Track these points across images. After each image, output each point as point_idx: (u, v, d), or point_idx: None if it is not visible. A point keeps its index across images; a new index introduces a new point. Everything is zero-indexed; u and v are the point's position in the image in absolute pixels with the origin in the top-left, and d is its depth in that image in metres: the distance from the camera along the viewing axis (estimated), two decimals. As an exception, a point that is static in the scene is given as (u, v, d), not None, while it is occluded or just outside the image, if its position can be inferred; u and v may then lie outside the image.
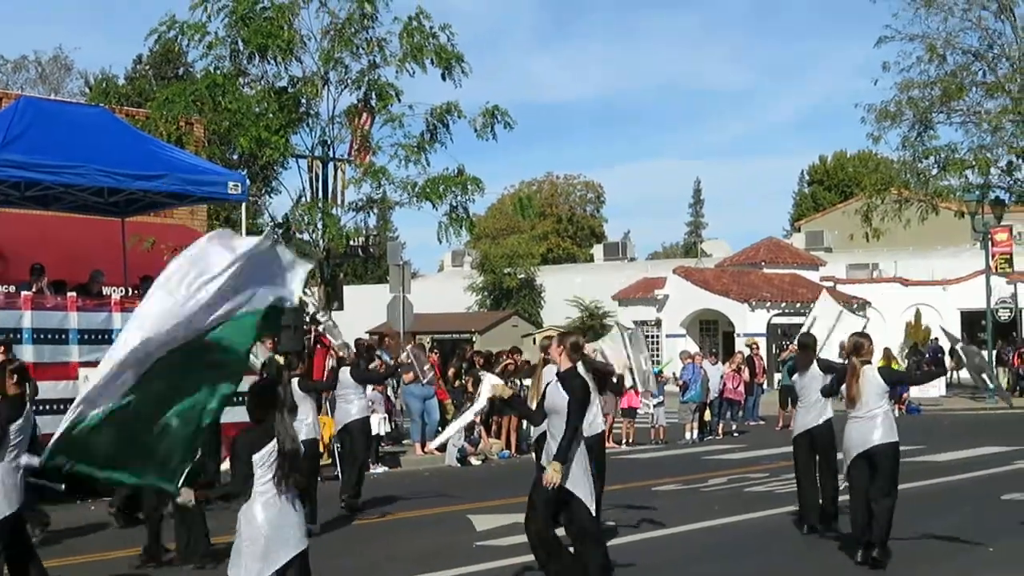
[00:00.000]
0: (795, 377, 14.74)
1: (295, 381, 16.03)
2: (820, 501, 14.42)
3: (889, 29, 41.08)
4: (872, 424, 12.24)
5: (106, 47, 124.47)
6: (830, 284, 54.06)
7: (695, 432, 28.81)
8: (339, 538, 14.60)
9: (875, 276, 57.85)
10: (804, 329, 15.68)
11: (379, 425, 22.84)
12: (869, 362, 12.45)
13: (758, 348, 36.22)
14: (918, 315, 52.73)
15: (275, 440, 7.86)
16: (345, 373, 17.14)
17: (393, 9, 25.74)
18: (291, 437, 7.92)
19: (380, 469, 22.41)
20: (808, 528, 14.28)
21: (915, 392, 40.04)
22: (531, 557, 12.85)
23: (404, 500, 17.83)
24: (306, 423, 14.95)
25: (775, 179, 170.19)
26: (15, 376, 10.15)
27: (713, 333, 53.53)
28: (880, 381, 12.41)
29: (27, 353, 16.53)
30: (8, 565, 10.08)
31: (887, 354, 39.12)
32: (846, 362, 12.77)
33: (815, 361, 14.47)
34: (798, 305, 50.80)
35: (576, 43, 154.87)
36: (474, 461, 23.45)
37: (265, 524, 7.78)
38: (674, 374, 31.82)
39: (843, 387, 12.56)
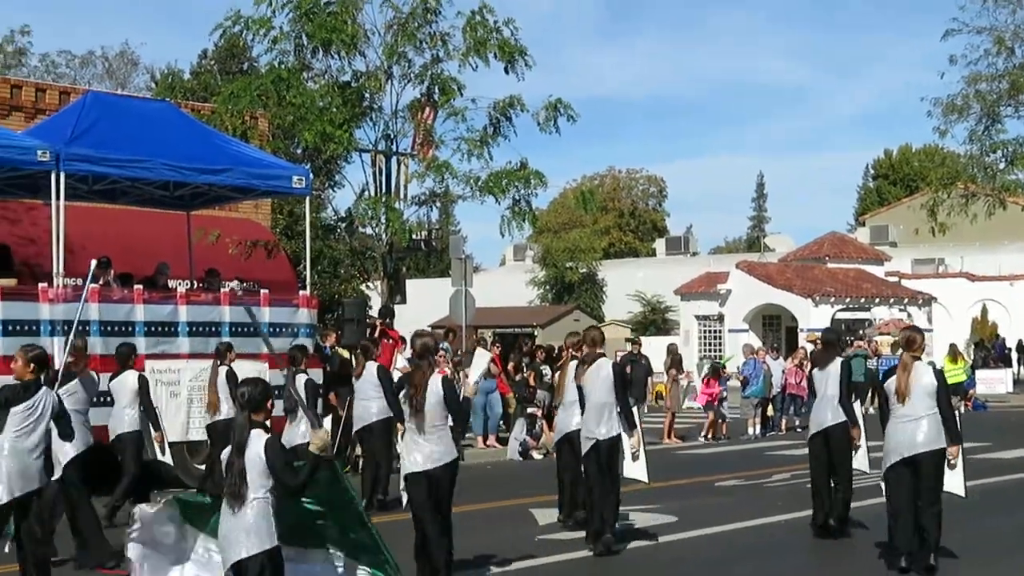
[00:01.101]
0: (815, 371, 14.30)
1: (300, 378, 15.90)
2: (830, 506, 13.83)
3: (956, 22, 40.51)
4: (918, 427, 11.48)
5: (172, 42, 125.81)
6: (895, 279, 53.70)
7: (757, 427, 28.66)
8: (400, 531, 14.65)
9: (941, 271, 57.30)
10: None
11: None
12: (919, 358, 11.73)
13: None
14: (984, 311, 52.19)
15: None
16: (371, 370, 16.86)
17: (456, 3, 25.75)
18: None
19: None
20: (817, 531, 13.75)
21: (981, 389, 39.70)
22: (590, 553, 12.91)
23: (466, 494, 17.83)
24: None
25: (839, 174, 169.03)
26: (31, 364, 10.49)
27: (776, 328, 53.19)
28: (932, 380, 11.58)
29: (95, 346, 16.70)
30: (18, 549, 10.34)
31: (952, 350, 38.77)
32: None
33: (838, 359, 14.06)
34: (862, 300, 50.43)
35: (637, 37, 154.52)
36: (536, 455, 23.46)
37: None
38: (737, 369, 31.64)
39: (887, 384, 11.82)
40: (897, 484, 11.68)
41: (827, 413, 13.93)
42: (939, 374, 11.81)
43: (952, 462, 11.63)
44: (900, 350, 12.10)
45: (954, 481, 11.72)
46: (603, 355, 13.42)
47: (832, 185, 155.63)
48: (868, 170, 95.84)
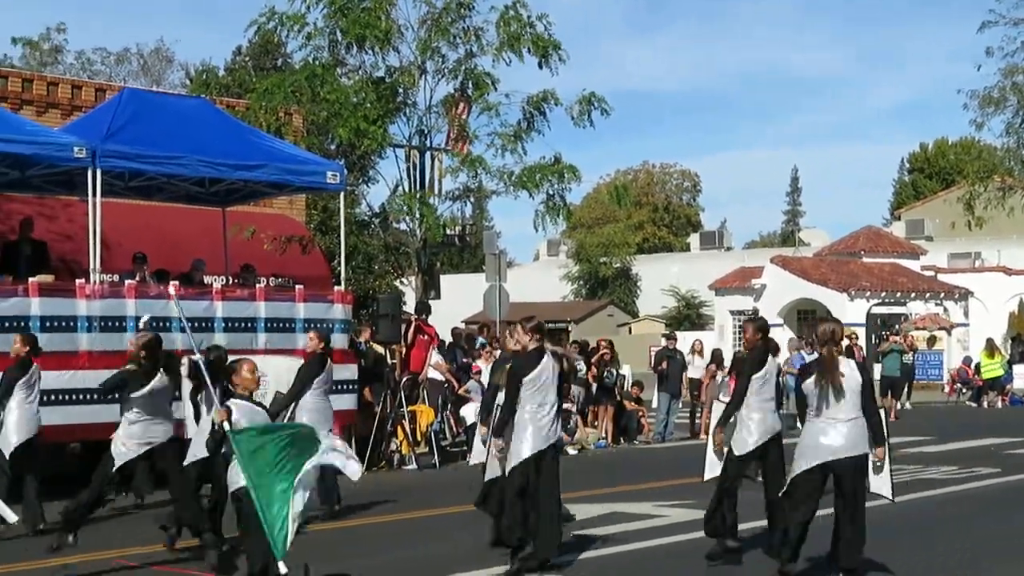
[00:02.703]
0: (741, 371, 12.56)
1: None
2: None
3: (993, 14, 40.35)
4: (841, 430, 10.45)
5: (206, 39, 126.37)
6: (931, 273, 53.39)
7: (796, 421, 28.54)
8: (437, 525, 14.67)
9: (977, 265, 56.93)
10: None
11: (476, 414, 22.88)
12: (843, 352, 10.66)
13: (857, 338, 35.83)
14: (1021, 305, 51.79)
15: None
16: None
17: (490, -2, 25.68)
18: None
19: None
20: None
21: (1019, 384, 39.44)
22: (629, 546, 12.89)
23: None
24: None
25: (874, 167, 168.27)
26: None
27: (811, 323, 52.97)
28: (859, 377, 10.51)
29: (128, 341, 16.77)
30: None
31: (989, 345, 38.55)
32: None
33: (772, 359, 12.41)
34: (898, 295, 50.17)
35: (671, 30, 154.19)
36: (570, 451, 23.43)
37: None
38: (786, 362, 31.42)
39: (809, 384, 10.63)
40: (808, 492, 10.79)
41: (767, 422, 12.26)
42: (863, 370, 10.75)
43: (878, 464, 10.81)
44: (823, 346, 10.65)
45: (880, 483, 10.98)
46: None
47: (867, 179, 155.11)
48: (903, 164, 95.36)
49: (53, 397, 15.84)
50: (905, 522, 14.18)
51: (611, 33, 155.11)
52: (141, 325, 13.86)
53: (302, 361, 17.62)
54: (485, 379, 24.77)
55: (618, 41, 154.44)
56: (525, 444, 11.55)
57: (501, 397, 12.14)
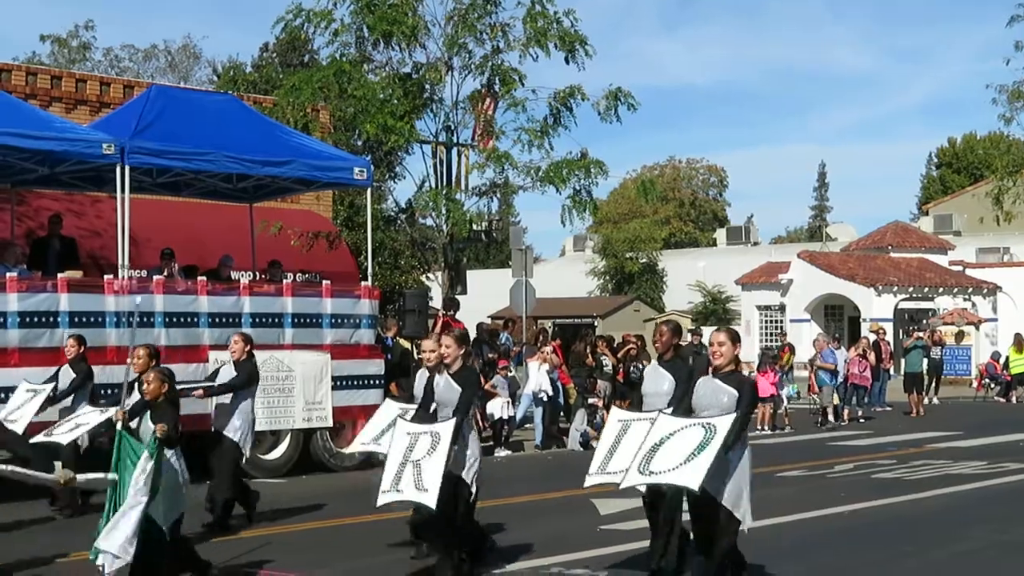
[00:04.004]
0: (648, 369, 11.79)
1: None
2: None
3: (1021, 8, 40.14)
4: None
5: (233, 36, 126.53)
6: (959, 268, 53.13)
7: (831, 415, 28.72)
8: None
9: (1006, 260, 56.60)
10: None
11: (502, 409, 22.94)
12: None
13: (884, 333, 35.71)
14: (1050, 300, 51.49)
15: None
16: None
17: (516, -7, 25.69)
18: None
19: (503, 453, 22.52)
20: None
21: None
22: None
23: (527, 484, 17.89)
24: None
25: (902, 162, 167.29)
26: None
27: (838, 318, 52.80)
28: (728, 390, 9.40)
29: (160, 336, 16.88)
30: None
31: (1018, 340, 38.33)
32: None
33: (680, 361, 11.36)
34: (926, 290, 49.94)
35: (700, 26, 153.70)
36: (596, 445, 23.40)
37: None
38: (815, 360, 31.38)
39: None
40: (654, 505, 10.61)
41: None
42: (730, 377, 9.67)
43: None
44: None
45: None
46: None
47: (895, 174, 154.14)
48: (931, 158, 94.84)
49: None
50: (933, 517, 14.16)
51: (642, 29, 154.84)
52: (135, 312, 14.29)
53: (328, 356, 17.75)
54: (514, 374, 24.90)
55: (648, 37, 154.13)
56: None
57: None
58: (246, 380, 14.30)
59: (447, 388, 10.90)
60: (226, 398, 14.41)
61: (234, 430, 14.11)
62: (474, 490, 10.92)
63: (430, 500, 10.14)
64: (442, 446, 10.34)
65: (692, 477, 8.93)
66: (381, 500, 10.45)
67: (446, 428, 10.50)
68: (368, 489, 10.97)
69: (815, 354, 29.33)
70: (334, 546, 12.96)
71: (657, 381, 11.06)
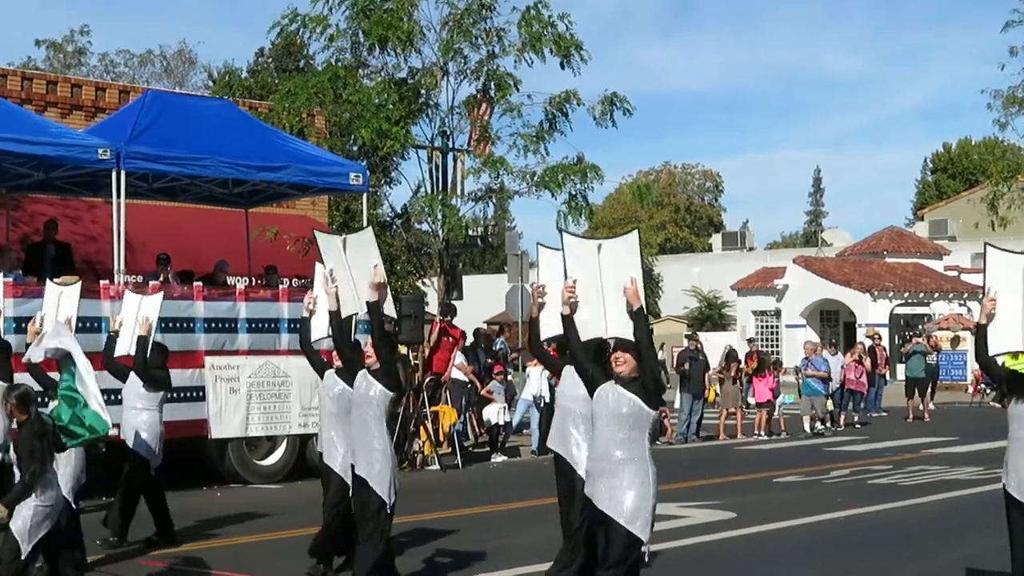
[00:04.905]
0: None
1: None
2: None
3: (1016, 13, 40.12)
4: (612, 479, 8.23)
5: (229, 41, 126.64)
6: (954, 274, 53.20)
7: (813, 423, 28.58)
8: (461, 524, 14.67)
9: (1001, 265, 56.66)
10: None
11: (499, 415, 22.91)
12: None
13: (880, 338, 35.73)
14: (1047, 305, 51.52)
15: None
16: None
17: (511, -1, 25.67)
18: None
19: (500, 458, 22.50)
20: None
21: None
22: (653, 547, 12.81)
23: (523, 490, 17.86)
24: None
25: (897, 168, 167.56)
26: None
27: (834, 323, 52.86)
28: (637, 402, 8.19)
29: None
30: None
31: (1014, 346, 38.32)
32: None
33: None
34: (921, 295, 50.01)
35: (695, 31, 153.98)
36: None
37: None
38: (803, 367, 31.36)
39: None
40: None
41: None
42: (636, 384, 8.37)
43: None
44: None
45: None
46: None
47: (890, 179, 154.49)
48: (927, 163, 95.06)
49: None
50: (931, 522, 14.15)
51: (638, 34, 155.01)
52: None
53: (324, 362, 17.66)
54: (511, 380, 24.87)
55: (644, 42, 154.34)
56: None
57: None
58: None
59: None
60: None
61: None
62: (389, 501, 10.10)
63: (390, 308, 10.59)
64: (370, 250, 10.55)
65: None
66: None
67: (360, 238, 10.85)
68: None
69: (805, 360, 29.20)
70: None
71: (576, 386, 9.51)
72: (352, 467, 10.23)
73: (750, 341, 30.90)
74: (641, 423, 8.20)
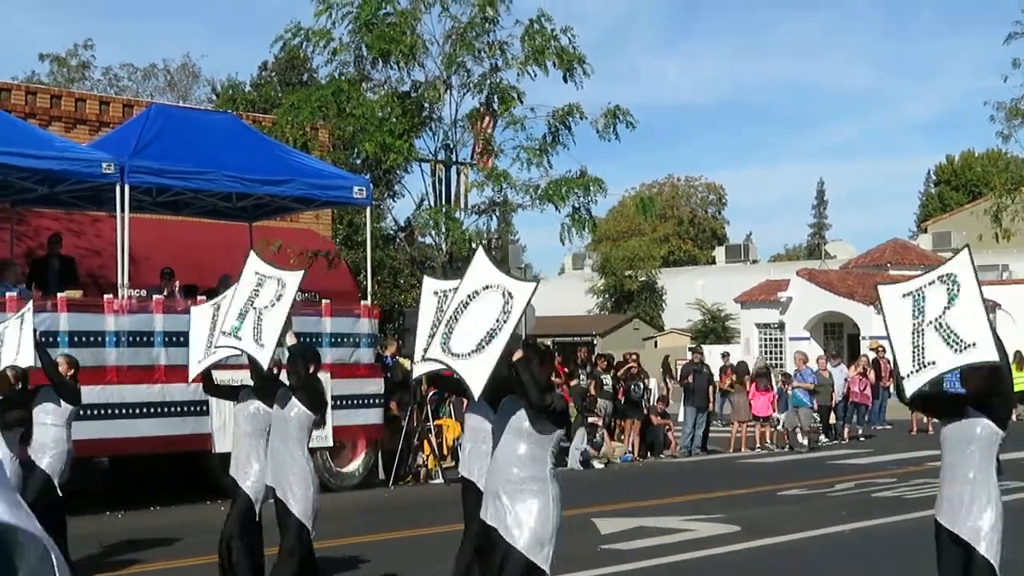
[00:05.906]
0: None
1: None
2: None
3: (1019, 25, 40.13)
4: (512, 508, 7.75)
5: (232, 55, 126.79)
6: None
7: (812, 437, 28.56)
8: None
9: (1005, 277, 56.64)
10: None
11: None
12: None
13: (884, 351, 35.65)
14: (1050, 317, 51.48)
15: None
16: None
17: (514, 12, 25.74)
18: None
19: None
20: None
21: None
22: (656, 561, 12.83)
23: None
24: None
25: (900, 180, 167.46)
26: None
27: (838, 336, 52.81)
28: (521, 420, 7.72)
29: (159, 356, 16.86)
30: None
31: (1017, 357, 38.28)
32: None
33: None
34: (925, 307, 49.91)
35: (698, 43, 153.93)
36: (597, 464, 23.41)
37: None
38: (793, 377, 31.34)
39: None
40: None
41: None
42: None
43: None
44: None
45: None
46: None
47: (893, 191, 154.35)
48: (930, 176, 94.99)
49: (80, 412, 15.87)
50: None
51: (641, 47, 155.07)
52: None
53: (328, 376, 17.68)
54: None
55: (647, 54, 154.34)
56: None
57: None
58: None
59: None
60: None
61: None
62: (309, 524, 9.94)
63: (264, 357, 9.97)
64: (286, 298, 10.08)
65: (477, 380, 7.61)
66: (220, 342, 10.31)
67: (293, 278, 10.44)
68: (363, 510, 10.95)
69: (796, 372, 29.14)
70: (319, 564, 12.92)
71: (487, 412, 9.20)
72: (272, 490, 10.03)
73: (724, 355, 30.70)
74: (543, 441, 7.72)
